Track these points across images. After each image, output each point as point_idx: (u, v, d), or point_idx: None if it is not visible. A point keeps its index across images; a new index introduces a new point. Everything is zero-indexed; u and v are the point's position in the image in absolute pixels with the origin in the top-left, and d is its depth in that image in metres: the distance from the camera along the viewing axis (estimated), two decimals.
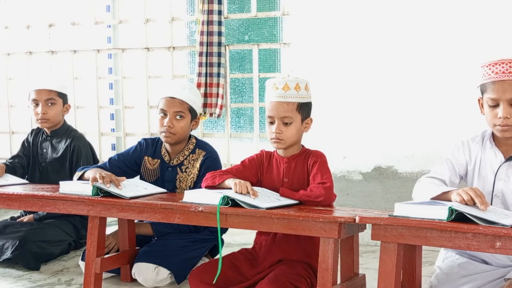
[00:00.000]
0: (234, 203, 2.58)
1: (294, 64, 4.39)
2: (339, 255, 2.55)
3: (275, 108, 2.78)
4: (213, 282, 2.71)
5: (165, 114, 3.24)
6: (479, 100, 2.55)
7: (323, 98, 4.13)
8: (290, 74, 2.94)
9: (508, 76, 2.40)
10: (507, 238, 2.09)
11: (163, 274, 3.14)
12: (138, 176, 3.39)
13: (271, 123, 2.80)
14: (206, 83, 4.55)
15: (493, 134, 2.56)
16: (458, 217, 2.17)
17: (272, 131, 2.79)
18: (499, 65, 2.42)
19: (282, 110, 2.76)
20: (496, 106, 2.44)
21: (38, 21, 5.33)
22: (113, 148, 5.50)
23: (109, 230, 3.27)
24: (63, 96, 3.90)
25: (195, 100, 3.32)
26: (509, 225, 2.11)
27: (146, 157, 3.39)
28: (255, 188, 2.68)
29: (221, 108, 4.56)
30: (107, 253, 3.20)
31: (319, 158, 2.80)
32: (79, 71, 5.20)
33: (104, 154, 5.10)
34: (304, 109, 2.81)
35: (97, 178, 2.92)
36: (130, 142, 4.68)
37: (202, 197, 2.68)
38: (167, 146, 3.35)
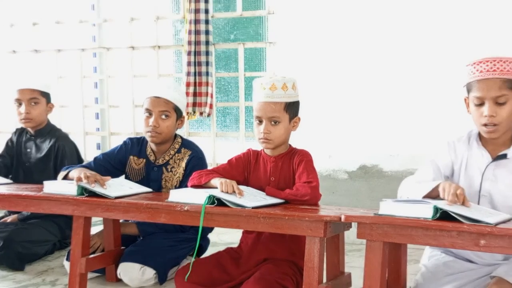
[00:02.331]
0: (220, 202, 2.57)
1: (279, 63, 4.39)
2: (325, 253, 2.55)
3: (262, 108, 2.77)
4: (185, 280, 2.71)
5: (150, 114, 3.23)
6: (465, 99, 2.56)
7: (308, 97, 4.13)
8: (276, 73, 2.93)
9: (492, 74, 2.42)
10: (491, 236, 2.10)
11: (149, 274, 3.13)
12: (124, 176, 3.37)
13: (259, 123, 2.80)
14: (195, 82, 4.55)
15: (479, 134, 2.57)
16: (443, 216, 2.18)
17: (260, 131, 2.79)
18: (484, 63, 2.43)
19: (270, 110, 2.76)
20: (481, 104, 2.44)
21: (22, 19, 5.29)
22: (98, 147, 5.47)
23: (94, 230, 3.25)
24: (46, 95, 3.88)
25: (180, 99, 3.31)
26: (493, 223, 2.12)
27: (131, 157, 3.37)
28: (241, 187, 2.67)
29: (210, 107, 4.55)
30: (92, 253, 3.18)
31: (304, 157, 2.81)
32: (63, 70, 5.16)
33: (89, 153, 5.07)
34: (292, 108, 2.81)
35: (81, 178, 2.90)
36: (115, 142, 4.65)
37: (188, 197, 2.67)
38: (153, 145, 3.34)
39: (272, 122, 2.77)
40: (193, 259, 2.77)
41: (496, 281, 2.38)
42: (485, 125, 2.45)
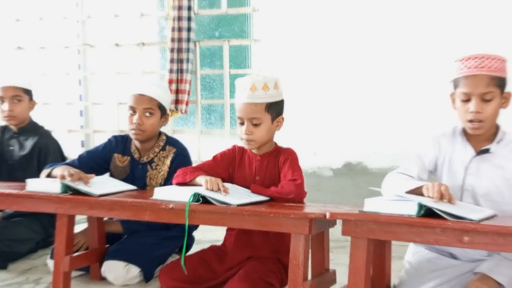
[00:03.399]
0: (205, 200, 2.56)
1: (264, 61, 4.39)
2: (310, 251, 2.55)
3: (243, 110, 2.75)
4: (183, 267, 2.70)
5: (134, 111, 3.22)
6: (451, 95, 2.57)
7: (293, 95, 4.13)
8: (259, 72, 2.90)
9: (480, 70, 2.43)
10: (475, 233, 2.12)
11: (134, 272, 3.11)
12: (108, 174, 3.35)
13: (241, 123, 2.78)
14: (177, 79, 4.54)
15: (464, 129, 2.58)
16: (428, 212, 2.19)
17: (242, 132, 2.77)
18: (472, 59, 2.45)
19: (250, 111, 2.73)
20: (468, 100, 2.46)
21: (5, 16, 5.24)
22: (82, 145, 5.43)
23: (78, 228, 3.23)
24: (29, 93, 3.85)
25: (164, 97, 3.30)
26: (476, 220, 2.14)
27: (115, 154, 3.35)
28: (226, 184, 2.67)
29: (187, 105, 4.54)
30: (76, 251, 3.16)
31: (290, 156, 2.80)
32: (47, 67, 5.12)
33: (73, 151, 5.03)
34: (274, 108, 2.78)
35: (65, 176, 2.89)
36: (99, 139, 4.64)
37: (173, 194, 2.66)
38: (137, 143, 3.33)
39: (254, 123, 2.75)
40: (183, 255, 2.77)
41: (479, 277, 2.41)
42: (471, 121, 2.46)
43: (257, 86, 2.72)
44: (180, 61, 4.53)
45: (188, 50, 4.53)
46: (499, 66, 2.44)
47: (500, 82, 2.45)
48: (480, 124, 2.46)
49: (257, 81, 2.73)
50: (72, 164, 3.25)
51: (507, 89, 2.49)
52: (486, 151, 2.52)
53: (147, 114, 3.22)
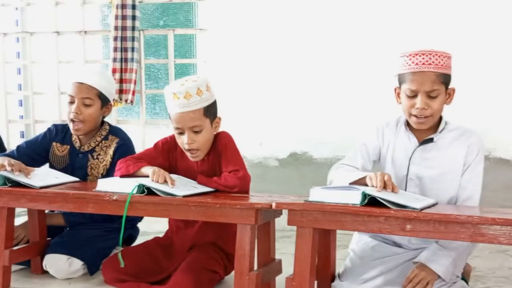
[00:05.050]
0: (150, 191, 2.53)
1: (210, 50, 4.36)
2: (256, 241, 2.55)
3: (181, 120, 2.65)
4: (121, 265, 2.66)
5: (73, 100, 3.13)
6: (395, 89, 2.58)
7: (239, 85, 4.13)
8: (187, 78, 2.75)
9: (427, 67, 2.43)
10: (417, 221, 2.16)
11: (76, 265, 3.05)
12: (48, 164, 3.27)
13: (181, 133, 2.69)
14: (121, 69, 4.47)
15: (407, 120, 2.61)
16: (371, 201, 2.22)
17: (184, 142, 2.69)
18: (420, 56, 2.44)
19: (189, 120, 2.64)
20: (414, 96, 2.47)
21: None
22: (22, 135, 5.30)
23: (18, 221, 3.14)
24: None
25: (106, 86, 3.20)
26: (419, 208, 2.18)
27: (54, 143, 3.26)
28: (172, 176, 2.63)
29: (133, 94, 4.48)
30: (16, 245, 3.07)
31: (226, 141, 2.75)
32: None
33: (13, 142, 4.90)
34: (211, 110, 2.70)
35: (5, 165, 2.80)
36: (40, 130, 4.52)
37: (116, 186, 2.61)
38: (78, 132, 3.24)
39: (195, 131, 2.67)
40: (119, 248, 2.72)
41: (418, 266, 2.45)
42: (416, 116, 2.49)
43: (191, 92, 2.62)
44: (124, 50, 4.46)
45: (133, 38, 4.46)
46: (445, 63, 2.45)
47: (445, 79, 2.47)
48: (425, 119, 2.49)
49: (190, 87, 2.63)
50: (11, 155, 3.15)
51: (450, 85, 2.52)
52: (430, 140, 2.56)
53: (86, 103, 3.13)
